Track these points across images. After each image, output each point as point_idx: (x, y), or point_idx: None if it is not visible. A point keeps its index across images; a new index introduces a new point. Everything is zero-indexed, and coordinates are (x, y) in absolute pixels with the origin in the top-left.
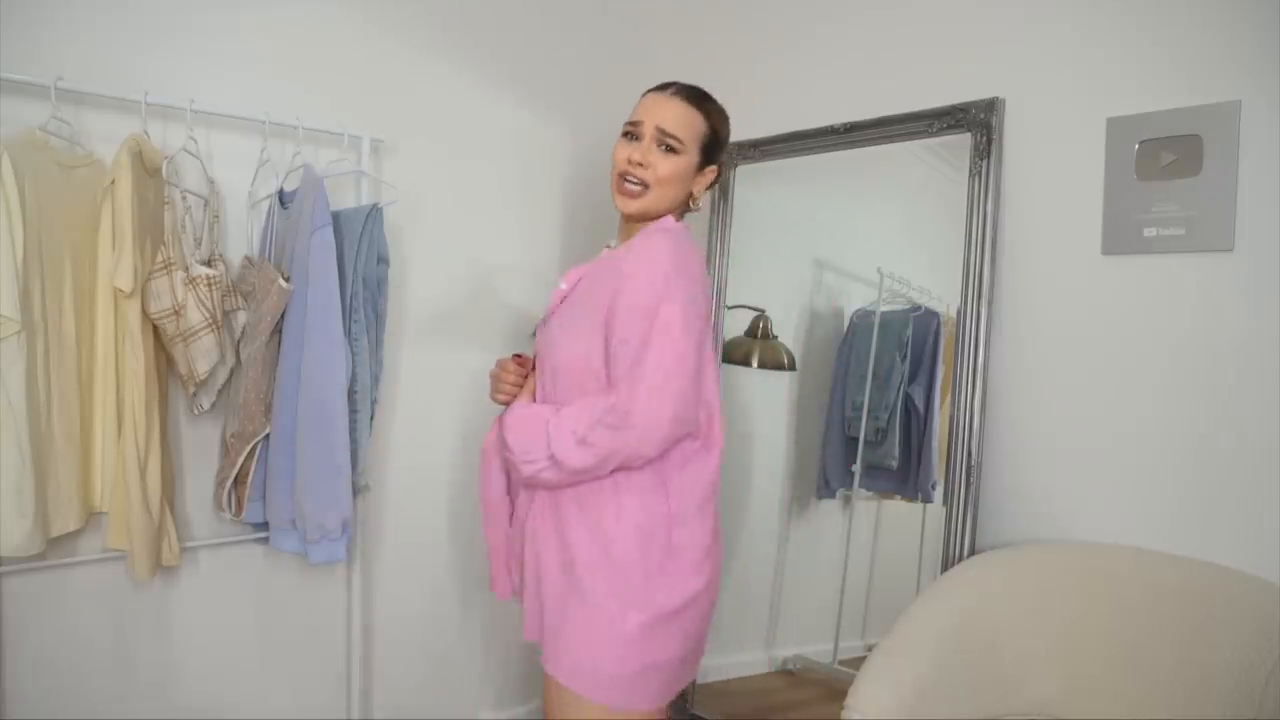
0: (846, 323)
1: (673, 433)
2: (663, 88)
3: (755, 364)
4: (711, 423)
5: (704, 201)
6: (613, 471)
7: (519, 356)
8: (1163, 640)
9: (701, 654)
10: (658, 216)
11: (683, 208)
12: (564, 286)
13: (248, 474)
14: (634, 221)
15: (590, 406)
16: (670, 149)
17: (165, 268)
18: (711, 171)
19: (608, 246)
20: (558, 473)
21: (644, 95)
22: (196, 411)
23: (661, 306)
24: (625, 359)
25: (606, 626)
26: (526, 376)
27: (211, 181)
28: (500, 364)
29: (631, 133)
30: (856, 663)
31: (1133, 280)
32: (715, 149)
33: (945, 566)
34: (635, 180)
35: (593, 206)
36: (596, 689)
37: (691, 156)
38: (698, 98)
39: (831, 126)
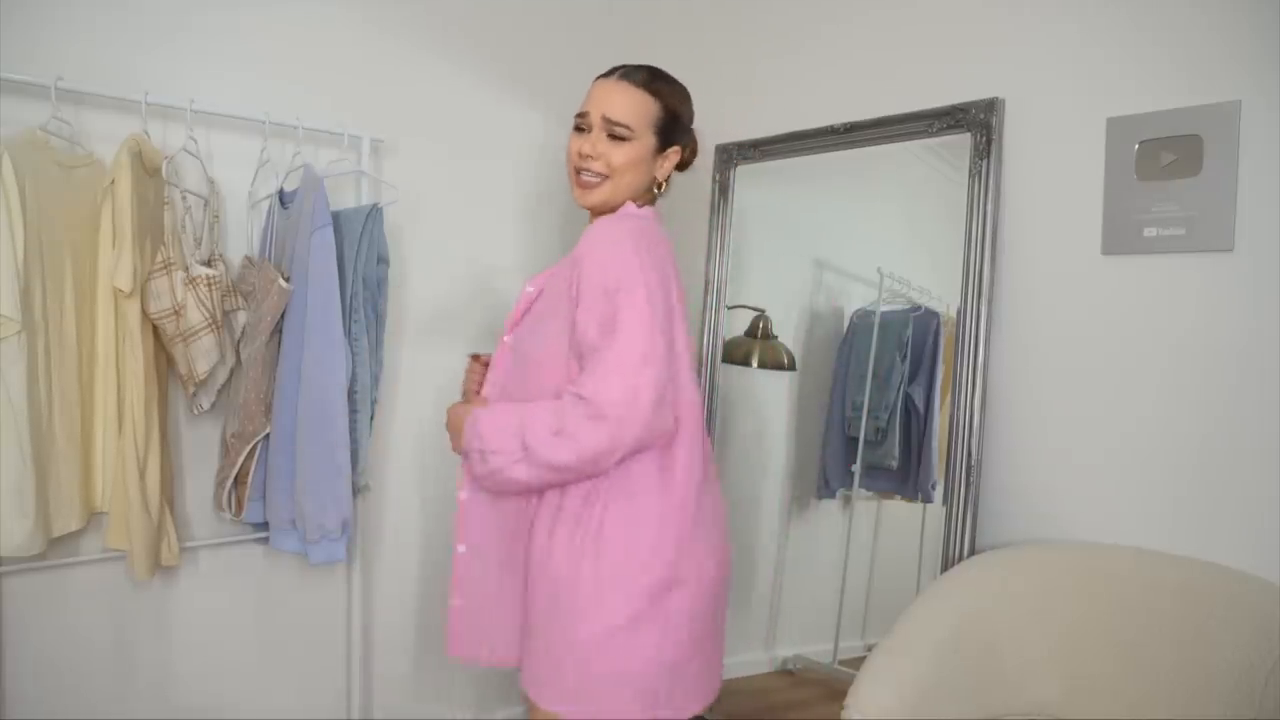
0: (846, 323)
1: (655, 422)
2: (609, 73)
3: (755, 364)
4: (680, 412)
5: (679, 182)
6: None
7: (476, 356)
8: (1163, 640)
9: (697, 662)
10: (614, 206)
11: (648, 194)
12: (530, 290)
13: (248, 474)
14: (598, 214)
15: (562, 401)
16: (619, 137)
17: (165, 268)
18: (674, 153)
19: None
20: (529, 468)
21: (593, 82)
22: (196, 411)
23: (623, 289)
24: (588, 345)
25: (566, 634)
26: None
27: (211, 181)
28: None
29: (581, 125)
30: (856, 663)
31: (1133, 280)
32: (674, 129)
33: (945, 566)
34: (591, 173)
35: None
36: (557, 699)
37: (645, 141)
38: (645, 79)
39: (831, 126)
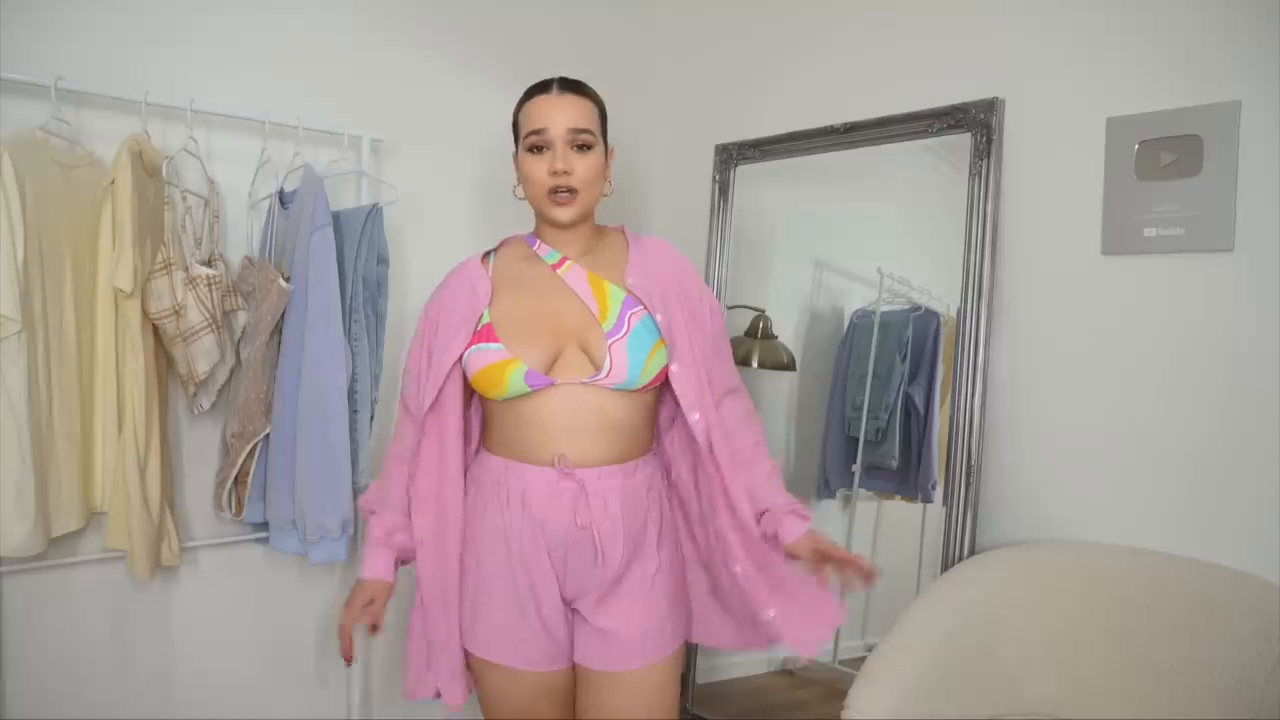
0: (846, 323)
1: None
2: (544, 88)
3: (755, 364)
4: None
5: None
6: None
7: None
8: (1163, 640)
9: None
10: (590, 215)
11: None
12: (661, 317)
13: (248, 474)
14: (569, 227)
15: (750, 415)
16: (585, 146)
17: (165, 268)
18: (613, 152)
19: (538, 252)
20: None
21: (529, 101)
22: (196, 411)
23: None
24: (728, 364)
25: (681, 579)
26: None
27: (211, 181)
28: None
29: (538, 144)
30: (856, 663)
31: (1133, 280)
32: (606, 129)
33: (945, 566)
34: (565, 189)
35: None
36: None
37: (600, 146)
38: (580, 86)
39: (831, 126)
